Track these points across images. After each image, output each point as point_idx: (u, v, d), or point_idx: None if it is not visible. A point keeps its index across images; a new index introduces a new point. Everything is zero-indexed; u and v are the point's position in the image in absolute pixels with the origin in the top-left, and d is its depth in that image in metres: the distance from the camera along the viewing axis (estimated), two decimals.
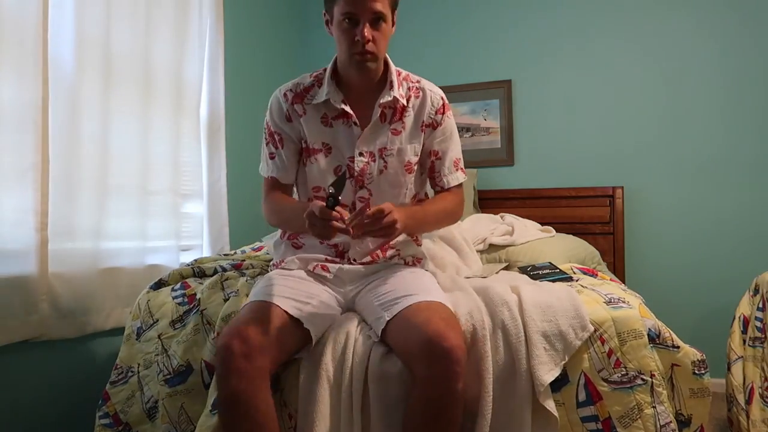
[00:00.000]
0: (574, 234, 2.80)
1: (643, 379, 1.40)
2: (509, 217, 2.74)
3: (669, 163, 2.99)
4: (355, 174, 1.60)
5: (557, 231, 2.69)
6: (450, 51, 3.39)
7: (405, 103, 1.61)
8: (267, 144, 1.67)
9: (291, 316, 1.39)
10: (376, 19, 1.48)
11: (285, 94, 1.62)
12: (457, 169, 1.69)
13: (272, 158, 1.65)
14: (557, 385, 1.42)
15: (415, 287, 1.46)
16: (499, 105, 3.27)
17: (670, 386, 1.45)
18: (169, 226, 2.41)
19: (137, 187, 2.25)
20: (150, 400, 1.69)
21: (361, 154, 1.59)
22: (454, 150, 1.69)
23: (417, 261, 1.69)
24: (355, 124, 1.59)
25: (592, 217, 3.02)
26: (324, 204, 1.33)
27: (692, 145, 2.96)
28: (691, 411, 1.46)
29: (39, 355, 1.94)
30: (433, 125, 1.65)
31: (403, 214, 1.42)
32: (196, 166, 2.61)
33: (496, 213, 2.85)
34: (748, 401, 1.93)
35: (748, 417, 1.91)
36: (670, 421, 1.40)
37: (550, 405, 1.38)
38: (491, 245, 2.42)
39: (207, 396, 1.51)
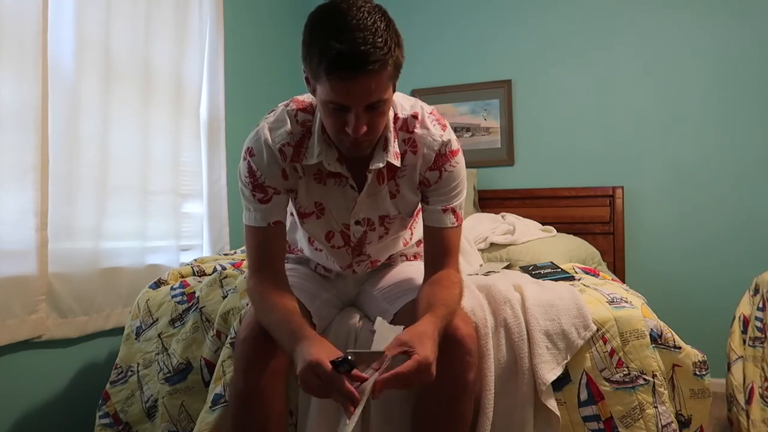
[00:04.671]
0: (574, 234, 2.81)
1: (645, 379, 1.40)
2: (510, 217, 2.75)
3: (669, 163, 2.99)
4: (353, 243, 1.44)
5: (557, 231, 2.70)
6: (450, 51, 3.39)
7: (399, 164, 1.33)
8: (253, 193, 1.33)
9: (305, 312, 1.36)
10: (375, 105, 1.16)
11: (281, 150, 1.30)
12: (454, 215, 1.39)
13: (266, 202, 1.33)
14: (559, 384, 1.42)
15: (418, 279, 1.44)
16: (499, 105, 3.27)
17: (671, 386, 1.45)
18: (169, 226, 2.41)
19: (137, 187, 2.24)
20: (149, 400, 1.69)
21: (358, 223, 1.40)
22: (455, 203, 1.38)
23: (418, 256, 1.69)
24: (352, 187, 1.35)
25: (592, 217, 3.02)
26: (330, 365, 1.04)
27: (692, 145, 2.96)
28: (691, 412, 1.46)
29: (39, 355, 1.93)
30: (426, 183, 1.37)
31: (434, 346, 1.11)
32: (196, 166, 2.60)
33: (496, 213, 2.86)
34: (748, 401, 1.93)
35: (748, 417, 1.91)
36: (672, 422, 1.40)
37: (552, 404, 1.39)
38: (492, 244, 2.43)
39: (207, 393, 1.51)
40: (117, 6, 2.16)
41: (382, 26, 1.10)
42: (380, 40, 1.08)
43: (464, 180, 1.39)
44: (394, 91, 1.22)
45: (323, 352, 1.08)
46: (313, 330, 1.22)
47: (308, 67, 1.16)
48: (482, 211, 3.03)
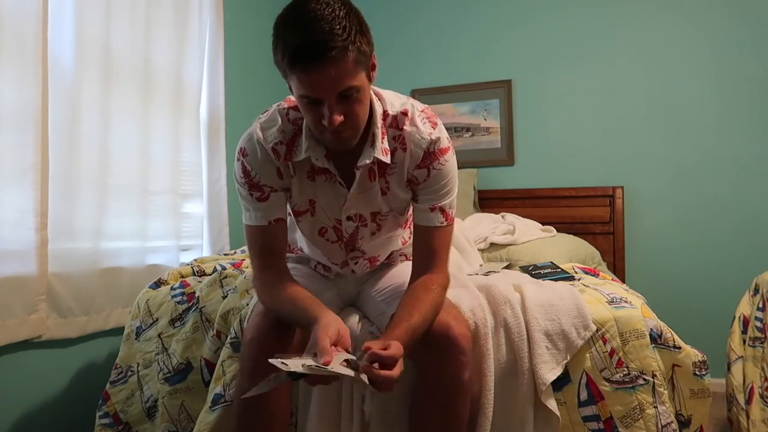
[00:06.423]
0: (574, 234, 2.81)
1: (644, 379, 1.40)
2: (510, 217, 2.75)
3: (669, 163, 2.99)
4: (345, 239, 1.44)
5: (557, 231, 2.70)
6: (450, 51, 3.39)
7: (389, 161, 1.31)
8: (250, 192, 1.33)
9: None
10: (347, 94, 1.15)
11: (274, 149, 1.30)
12: (443, 214, 1.36)
13: (264, 200, 1.33)
14: (559, 384, 1.42)
15: None
16: (499, 105, 3.27)
17: (671, 386, 1.45)
18: (169, 226, 2.41)
19: (137, 187, 2.24)
20: (149, 400, 1.70)
21: (349, 219, 1.40)
22: (444, 202, 1.36)
23: None
24: (341, 184, 1.34)
25: (592, 217, 3.02)
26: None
27: (692, 145, 2.96)
28: (691, 411, 1.46)
29: (39, 355, 1.93)
30: (415, 182, 1.35)
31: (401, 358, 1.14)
32: (196, 166, 2.61)
33: (496, 213, 2.85)
34: (748, 401, 1.93)
35: (748, 417, 1.91)
36: (672, 422, 1.40)
37: (552, 404, 1.39)
38: (492, 244, 2.43)
39: (207, 393, 1.51)
40: (117, 6, 2.16)
41: (341, 14, 1.11)
42: (338, 27, 1.09)
43: (454, 178, 1.37)
44: (370, 81, 1.22)
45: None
46: (327, 311, 1.21)
47: (277, 66, 1.18)
48: (482, 211, 3.03)
